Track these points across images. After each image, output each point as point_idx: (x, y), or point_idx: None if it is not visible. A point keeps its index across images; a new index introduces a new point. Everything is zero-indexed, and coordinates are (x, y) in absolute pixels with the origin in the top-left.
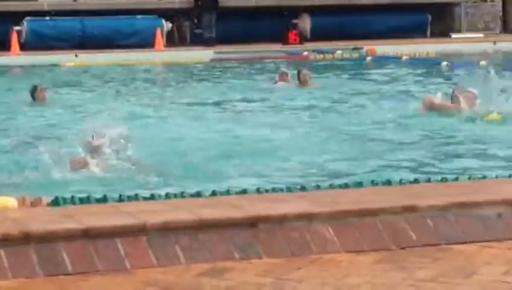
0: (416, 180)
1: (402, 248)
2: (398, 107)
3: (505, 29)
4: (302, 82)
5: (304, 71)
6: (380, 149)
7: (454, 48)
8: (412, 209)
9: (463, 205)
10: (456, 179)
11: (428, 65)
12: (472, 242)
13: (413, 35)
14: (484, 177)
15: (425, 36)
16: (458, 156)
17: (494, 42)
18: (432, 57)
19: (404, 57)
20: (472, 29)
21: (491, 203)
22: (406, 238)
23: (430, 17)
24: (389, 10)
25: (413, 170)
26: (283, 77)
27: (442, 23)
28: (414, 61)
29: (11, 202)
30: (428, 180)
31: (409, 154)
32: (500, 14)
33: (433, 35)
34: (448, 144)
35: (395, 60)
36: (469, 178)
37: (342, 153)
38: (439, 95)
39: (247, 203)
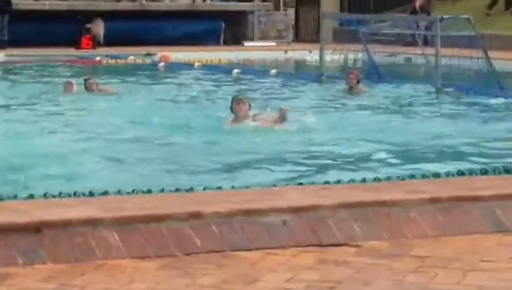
0: (205, 188)
1: (187, 254)
2: (190, 113)
3: (297, 38)
4: (89, 89)
5: (91, 80)
6: (175, 155)
7: (247, 56)
8: (197, 215)
9: (248, 212)
10: (246, 186)
11: (220, 72)
12: (257, 249)
13: (206, 42)
14: (274, 185)
15: (218, 43)
16: (248, 165)
17: (286, 51)
18: (224, 65)
19: (197, 64)
20: (265, 37)
21: (276, 210)
22: (191, 244)
23: (223, 24)
24: (183, 17)
25: (203, 177)
26: (68, 86)
27: (236, 31)
28: (206, 69)
29: None
30: (219, 188)
31: (203, 162)
32: (293, 23)
33: (227, 42)
34: (240, 152)
35: (188, 66)
36: (257, 186)
37: (143, 158)
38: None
39: (32, 208)
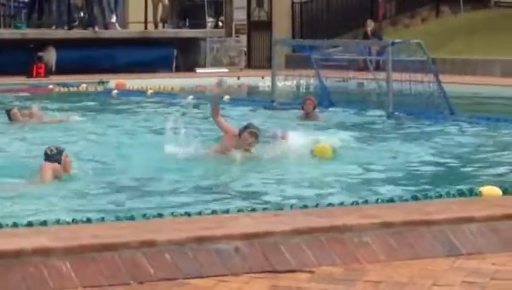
0: (159, 215)
1: (140, 283)
2: (142, 140)
3: (250, 65)
4: (14, 119)
5: (14, 109)
6: (128, 183)
7: (199, 82)
8: (150, 244)
9: (200, 239)
10: (198, 213)
11: (173, 99)
12: (209, 276)
13: (159, 69)
14: (227, 211)
15: (171, 70)
16: (205, 191)
17: (238, 77)
18: (176, 92)
19: (149, 91)
20: (217, 64)
21: (229, 237)
22: (144, 273)
23: (175, 51)
24: (135, 44)
25: (159, 203)
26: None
27: (188, 57)
28: (159, 96)
29: None
30: (173, 215)
31: (157, 189)
32: (245, 49)
33: (179, 69)
34: (196, 178)
35: (140, 93)
36: (211, 213)
37: (97, 186)
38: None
39: None
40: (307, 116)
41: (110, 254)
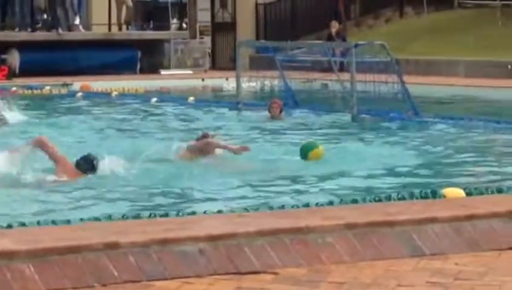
0: (123, 217)
1: (104, 285)
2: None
3: (214, 66)
4: None
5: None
6: (92, 184)
7: (164, 84)
8: (114, 246)
9: (165, 241)
10: (162, 215)
11: (138, 101)
12: (174, 278)
13: (123, 71)
14: (192, 213)
15: (135, 72)
16: (168, 193)
17: (203, 79)
18: (141, 93)
19: (114, 93)
20: (181, 65)
21: (193, 239)
22: (108, 275)
23: (139, 53)
24: (99, 46)
25: (123, 206)
26: None
27: (152, 59)
28: (123, 97)
29: None
30: (137, 217)
31: (122, 190)
32: (209, 51)
33: (143, 71)
34: (160, 181)
35: (105, 95)
36: (175, 214)
37: (61, 189)
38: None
39: None
40: (273, 118)
41: (74, 256)
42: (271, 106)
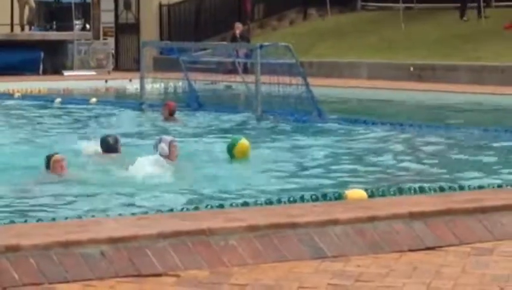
0: (24, 219)
1: (4, 288)
2: (12, 144)
3: (118, 67)
4: None
5: None
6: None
7: (67, 85)
8: (15, 248)
9: (66, 244)
10: (64, 218)
11: (42, 102)
12: (75, 281)
13: (25, 72)
14: (93, 215)
15: (38, 73)
16: (67, 195)
17: (106, 80)
18: (44, 94)
19: (17, 94)
20: (84, 66)
21: (94, 241)
22: (9, 278)
23: (42, 54)
24: (1, 47)
25: (23, 208)
26: None
27: (55, 60)
28: (27, 99)
29: None
30: (39, 220)
31: (26, 195)
32: (113, 52)
33: (46, 72)
34: (65, 184)
35: (7, 96)
36: (76, 217)
37: None
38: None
39: None
40: (167, 120)
41: None
42: (163, 108)
